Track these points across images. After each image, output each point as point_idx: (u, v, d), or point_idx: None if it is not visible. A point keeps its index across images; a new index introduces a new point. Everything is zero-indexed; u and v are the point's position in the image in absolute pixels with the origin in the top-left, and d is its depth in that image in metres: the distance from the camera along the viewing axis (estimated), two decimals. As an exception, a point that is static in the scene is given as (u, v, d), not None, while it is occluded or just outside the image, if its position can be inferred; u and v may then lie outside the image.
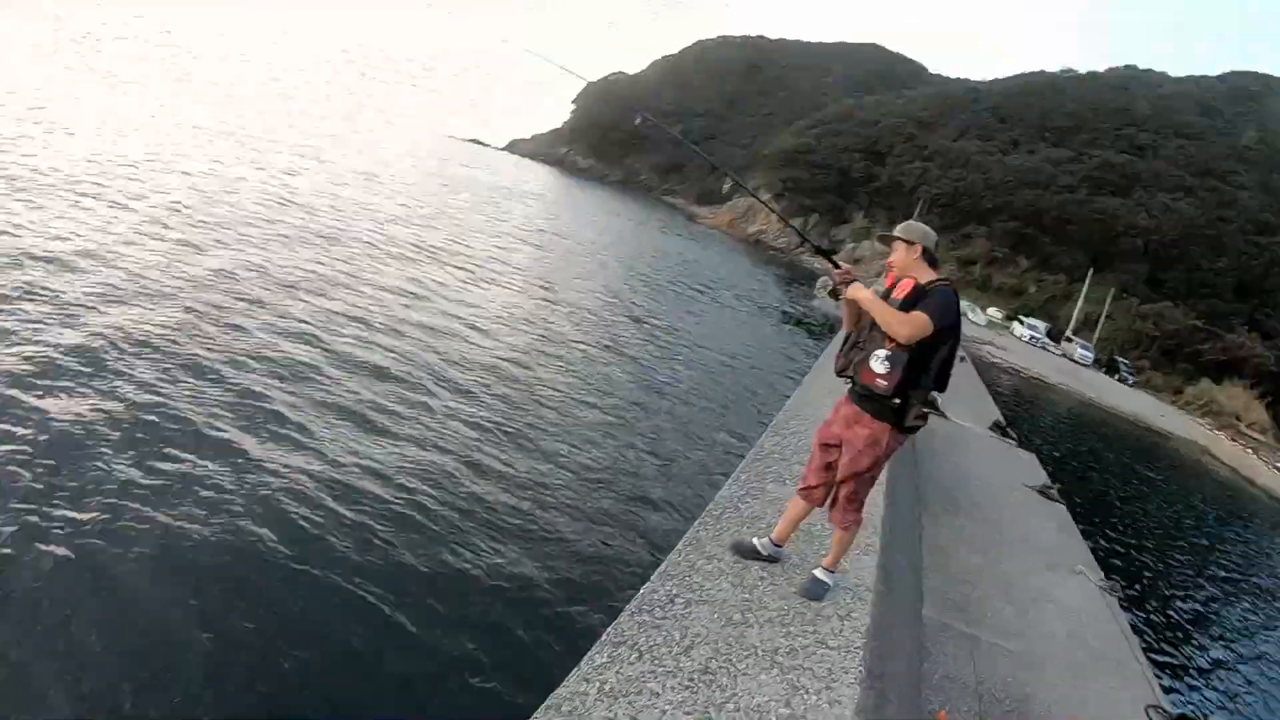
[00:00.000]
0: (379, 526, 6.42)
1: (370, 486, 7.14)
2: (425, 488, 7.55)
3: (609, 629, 2.82)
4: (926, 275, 3.42)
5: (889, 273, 3.59)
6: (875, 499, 5.01)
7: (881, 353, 3.30)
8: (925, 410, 3.38)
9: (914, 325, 3.20)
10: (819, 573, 3.51)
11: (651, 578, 3.22)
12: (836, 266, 3.54)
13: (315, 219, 19.65)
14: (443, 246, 22.05)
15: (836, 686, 2.87)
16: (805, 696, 2.77)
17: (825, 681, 2.88)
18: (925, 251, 3.46)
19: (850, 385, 3.51)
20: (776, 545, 3.69)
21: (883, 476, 5.51)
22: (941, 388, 3.44)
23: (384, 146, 47.16)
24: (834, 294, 3.53)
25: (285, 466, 7.02)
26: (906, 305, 3.32)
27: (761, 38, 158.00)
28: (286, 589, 5.25)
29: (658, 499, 9.54)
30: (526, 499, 8.33)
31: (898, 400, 3.27)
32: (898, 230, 3.54)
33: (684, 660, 2.76)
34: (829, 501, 3.57)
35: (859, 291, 3.36)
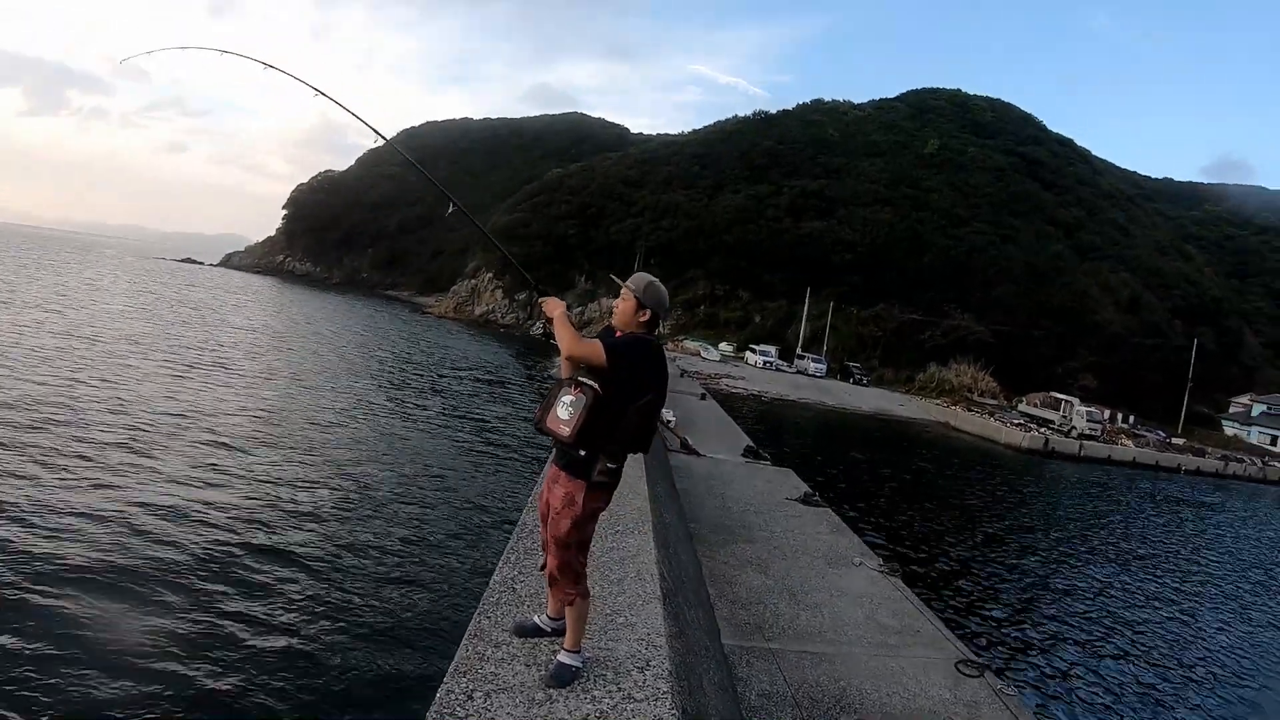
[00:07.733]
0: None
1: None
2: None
3: (418, 743, 2.59)
4: (635, 329, 3.19)
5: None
6: (646, 546, 5.04)
7: (567, 398, 3.00)
8: (611, 466, 3.04)
9: (578, 345, 3.01)
10: (562, 656, 3.11)
11: (444, 679, 2.97)
12: (544, 295, 3.26)
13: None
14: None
15: (655, 737, 2.80)
16: (626, 753, 2.69)
17: (642, 735, 2.80)
18: (654, 317, 3.19)
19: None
20: (555, 620, 3.45)
21: (646, 525, 5.50)
22: (643, 447, 3.12)
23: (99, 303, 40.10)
24: (547, 334, 3.30)
25: None
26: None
27: (467, 119, 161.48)
28: None
29: (433, 594, 9.45)
30: (305, 615, 8.36)
31: (584, 452, 2.98)
32: (630, 282, 3.22)
33: (499, 754, 2.58)
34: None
35: (555, 308, 3.11)
